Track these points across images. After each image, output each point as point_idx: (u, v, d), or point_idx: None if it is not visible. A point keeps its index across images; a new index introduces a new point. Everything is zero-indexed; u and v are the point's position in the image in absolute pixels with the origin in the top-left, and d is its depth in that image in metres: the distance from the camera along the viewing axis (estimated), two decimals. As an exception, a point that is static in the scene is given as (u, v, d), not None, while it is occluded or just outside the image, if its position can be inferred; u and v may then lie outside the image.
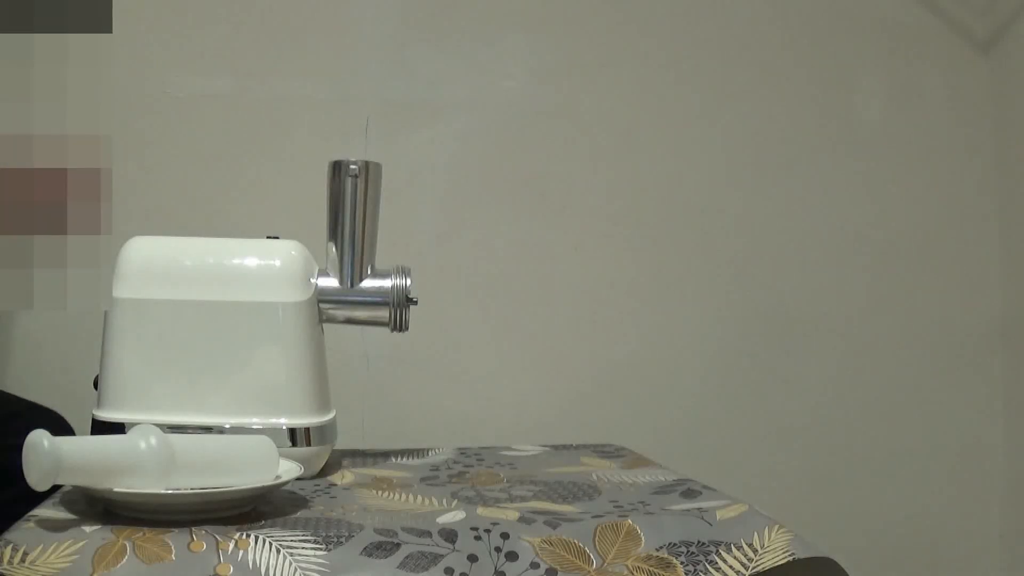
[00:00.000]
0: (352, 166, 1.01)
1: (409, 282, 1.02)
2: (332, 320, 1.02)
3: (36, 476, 0.72)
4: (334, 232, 1.02)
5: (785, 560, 0.78)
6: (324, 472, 1.00)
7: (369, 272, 1.03)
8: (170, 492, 0.78)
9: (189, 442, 0.82)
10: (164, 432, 0.79)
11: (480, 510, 0.83)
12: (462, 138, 1.38)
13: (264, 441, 0.85)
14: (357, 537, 0.74)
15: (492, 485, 0.96)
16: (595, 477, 1.00)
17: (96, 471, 0.75)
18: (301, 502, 0.86)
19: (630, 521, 0.80)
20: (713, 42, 1.44)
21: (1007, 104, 1.48)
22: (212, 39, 1.33)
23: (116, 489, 0.75)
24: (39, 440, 0.72)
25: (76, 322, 1.27)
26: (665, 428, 1.41)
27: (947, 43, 1.49)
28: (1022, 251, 1.46)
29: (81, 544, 0.71)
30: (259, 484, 0.81)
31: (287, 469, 0.85)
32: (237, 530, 0.74)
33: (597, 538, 0.78)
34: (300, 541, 0.73)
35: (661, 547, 0.78)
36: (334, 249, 1.02)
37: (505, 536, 0.76)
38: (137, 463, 0.76)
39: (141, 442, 0.77)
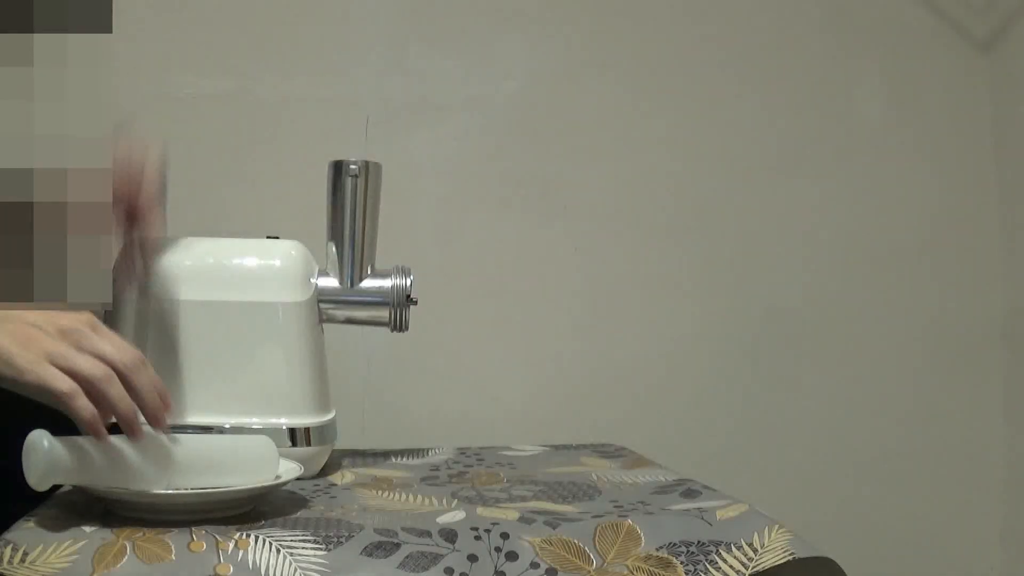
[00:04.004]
0: (352, 166, 1.01)
1: (409, 282, 1.02)
2: (332, 320, 1.02)
3: (36, 476, 0.72)
4: (334, 232, 1.02)
5: (785, 560, 0.78)
6: (324, 472, 1.00)
7: (369, 272, 1.03)
8: (170, 492, 0.78)
9: (189, 442, 0.82)
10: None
11: (480, 510, 0.83)
12: (462, 138, 1.38)
13: (264, 441, 0.85)
14: (357, 537, 0.74)
15: (492, 485, 0.96)
16: (595, 477, 1.00)
17: (95, 471, 0.75)
18: (301, 502, 0.86)
19: (630, 521, 0.80)
20: (713, 42, 1.44)
21: (1007, 104, 1.47)
22: (212, 39, 1.33)
23: (116, 488, 0.76)
24: (39, 440, 0.72)
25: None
26: (665, 428, 1.41)
27: (947, 43, 1.49)
28: (1023, 251, 1.46)
29: (81, 544, 0.71)
30: (259, 484, 0.81)
31: (287, 469, 0.85)
32: (237, 530, 0.74)
33: (597, 538, 0.78)
34: (300, 541, 0.73)
35: (661, 547, 0.78)
36: (334, 249, 1.02)
37: (505, 536, 0.76)
38: (137, 463, 0.76)
39: (141, 444, 0.77)
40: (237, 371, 0.95)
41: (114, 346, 0.76)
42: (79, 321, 0.76)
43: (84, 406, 0.73)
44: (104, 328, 0.77)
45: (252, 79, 1.33)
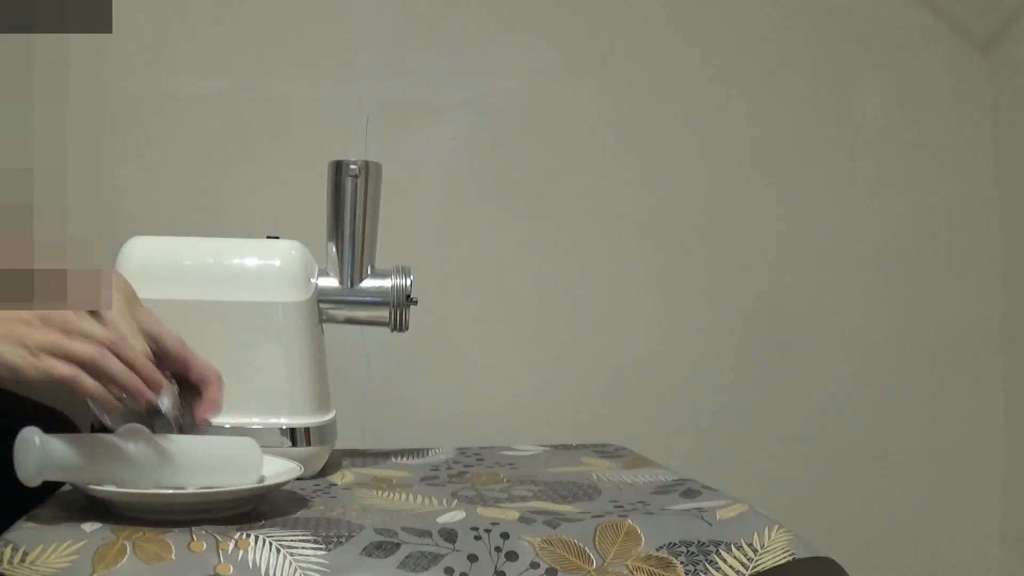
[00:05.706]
0: (352, 166, 1.01)
1: (409, 282, 1.03)
2: (332, 320, 1.02)
3: (26, 472, 0.72)
4: (334, 232, 1.02)
5: (785, 560, 0.78)
6: (324, 472, 1.00)
7: (369, 272, 1.03)
8: (170, 492, 0.78)
9: (176, 443, 0.81)
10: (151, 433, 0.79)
11: (480, 510, 0.83)
12: (462, 138, 1.38)
13: (249, 444, 0.85)
14: (357, 537, 0.74)
15: (492, 485, 0.96)
16: (595, 477, 1.00)
17: (85, 468, 0.75)
18: (301, 502, 0.86)
19: (630, 521, 0.80)
20: (713, 42, 1.44)
21: (1007, 104, 1.48)
22: (212, 39, 1.33)
23: (116, 489, 0.76)
24: (31, 437, 0.72)
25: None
26: (665, 428, 1.41)
27: (947, 43, 1.49)
28: (1022, 251, 1.46)
29: (81, 544, 0.71)
30: (259, 484, 0.81)
31: (287, 469, 0.85)
32: (237, 530, 0.74)
33: (597, 538, 0.78)
34: (300, 541, 0.73)
35: (661, 547, 0.78)
36: (334, 249, 1.02)
37: (505, 536, 0.76)
38: (125, 462, 0.77)
39: (130, 443, 0.77)
40: (237, 371, 0.95)
41: (99, 324, 0.78)
42: None
43: (91, 385, 0.75)
44: (83, 312, 0.78)
45: (252, 79, 1.33)
